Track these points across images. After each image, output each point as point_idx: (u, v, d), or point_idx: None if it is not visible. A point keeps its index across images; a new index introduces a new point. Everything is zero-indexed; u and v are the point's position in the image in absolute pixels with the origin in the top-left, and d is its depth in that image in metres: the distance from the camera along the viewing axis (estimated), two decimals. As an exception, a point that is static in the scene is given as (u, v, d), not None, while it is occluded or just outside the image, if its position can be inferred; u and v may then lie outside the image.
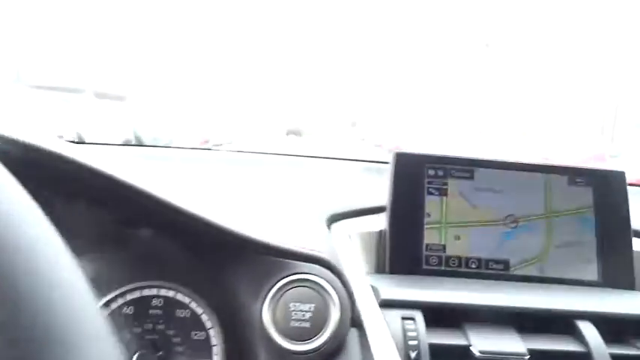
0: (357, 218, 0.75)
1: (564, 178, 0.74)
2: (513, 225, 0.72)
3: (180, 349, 0.57)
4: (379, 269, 0.70)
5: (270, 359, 0.53)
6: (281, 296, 0.54)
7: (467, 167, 0.73)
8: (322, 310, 0.54)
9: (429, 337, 0.53)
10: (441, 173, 0.73)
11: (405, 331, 0.53)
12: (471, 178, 0.73)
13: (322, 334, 0.53)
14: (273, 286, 0.54)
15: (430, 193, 0.72)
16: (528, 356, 0.53)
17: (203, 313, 0.58)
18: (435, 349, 0.52)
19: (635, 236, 0.75)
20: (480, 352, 0.52)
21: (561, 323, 0.57)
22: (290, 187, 0.83)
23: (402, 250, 0.69)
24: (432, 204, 0.72)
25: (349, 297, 0.56)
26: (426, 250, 0.70)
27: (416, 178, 0.72)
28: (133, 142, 8.47)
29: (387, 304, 0.56)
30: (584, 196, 0.74)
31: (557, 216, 0.73)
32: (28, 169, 0.33)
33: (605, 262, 0.72)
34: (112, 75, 23.00)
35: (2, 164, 0.26)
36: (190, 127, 12.31)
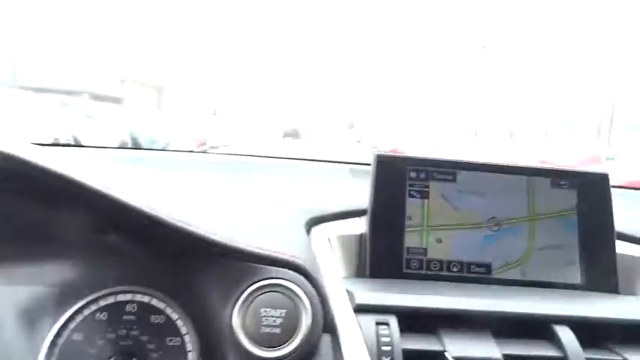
0: (339, 221, 0.74)
1: (547, 181, 0.74)
2: (496, 228, 0.71)
3: (154, 355, 0.56)
4: (360, 273, 0.69)
5: None
6: (251, 302, 0.53)
7: (449, 170, 0.73)
8: (293, 316, 0.53)
9: (403, 343, 0.52)
10: (422, 176, 0.72)
11: (378, 336, 0.52)
12: (454, 180, 0.72)
13: (293, 340, 0.52)
14: (243, 292, 0.53)
15: (412, 196, 0.71)
16: None
17: (178, 318, 0.57)
18: (408, 354, 0.52)
19: (619, 239, 0.74)
20: (454, 357, 0.51)
21: (539, 328, 0.56)
22: (273, 190, 0.82)
23: (383, 254, 0.69)
24: (413, 207, 0.71)
25: (322, 302, 0.55)
26: (407, 253, 0.69)
27: (397, 181, 0.71)
28: (130, 145, 8.46)
29: (361, 309, 0.55)
30: (568, 199, 0.74)
31: (540, 219, 0.72)
32: None
33: (588, 265, 0.71)
34: (109, 77, 22.96)
35: None
36: (187, 129, 12.30)
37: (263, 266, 0.55)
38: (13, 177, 0.45)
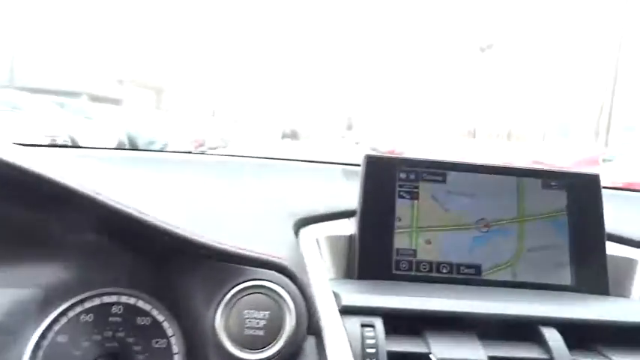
0: (329, 222, 0.74)
1: (538, 182, 0.73)
2: (485, 229, 0.71)
3: (140, 357, 0.56)
4: (349, 274, 0.69)
5: None
6: (235, 303, 0.53)
7: (439, 170, 0.72)
8: (277, 318, 0.52)
9: (389, 345, 0.52)
10: (412, 176, 0.72)
11: (363, 338, 0.52)
12: (443, 181, 0.72)
13: (276, 343, 0.52)
14: (227, 293, 0.53)
15: (401, 197, 0.71)
16: None
17: (165, 320, 0.57)
18: (393, 356, 0.51)
19: (609, 240, 0.74)
20: (439, 359, 0.51)
21: (526, 329, 0.56)
22: (263, 191, 0.81)
23: (372, 255, 0.68)
24: (403, 208, 0.71)
25: (307, 303, 0.55)
26: (397, 254, 0.69)
27: (387, 182, 0.71)
28: (127, 146, 8.44)
29: (347, 311, 0.55)
30: (558, 200, 0.73)
31: (530, 220, 0.72)
32: None
33: (578, 267, 0.71)
34: (107, 78, 22.95)
35: None
36: (186, 130, 12.30)
37: (247, 267, 0.54)
38: None
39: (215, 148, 12.55)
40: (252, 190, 0.81)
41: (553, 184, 0.74)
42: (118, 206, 0.48)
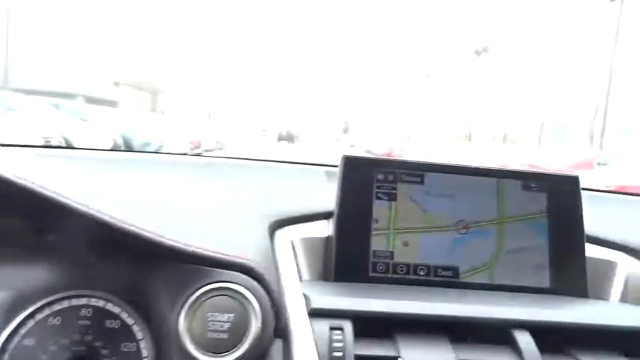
0: (307, 224, 0.73)
1: (518, 183, 0.73)
2: (464, 231, 0.70)
3: None
4: (325, 277, 0.68)
5: None
6: (199, 306, 0.52)
7: (417, 172, 0.71)
8: (242, 321, 0.51)
9: (357, 348, 0.51)
10: (390, 177, 0.71)
11: (331, 341, 0.51)
12: (422, 182, 0.71)
13: (241, 346, 0.50)
14: (190, 295, 0.52)
15: (379, 198, 0.70)
16: None
17: (134, 323, 0.56)
18: None
19: (590, 242, 0.73)
20: None
21: (498, 333, 0.55)
22: (242, 192, 0.80)
23: (348, 257, 0.67)
24: (380, 209, 0.70)
25: (275, 306, 0.54)
26: (374, 257, 0.68)
27: (364, 183, 0.70)
28: (122, 147, 8.41)
29: (316, 314, 0.54)
30: (538, 202, 0.73)
31: (509, 221, 0.71)
32: None
33: (557, 269, 0.70)
34: (103, 80, 22.89)
35: None
36: (182, 132, 12.27)
37: (213, 269, 0.53)
38: None
39: (211, 151, 12.51)
40: (229, 191, 0.80)
41: (533, 185, 0.73)
42: (82, 208, 0.47)
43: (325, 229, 0.72)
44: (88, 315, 0.56)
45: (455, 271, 0.69)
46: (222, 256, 0.53)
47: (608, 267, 0.74)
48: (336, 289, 0.63)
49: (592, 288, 0.71)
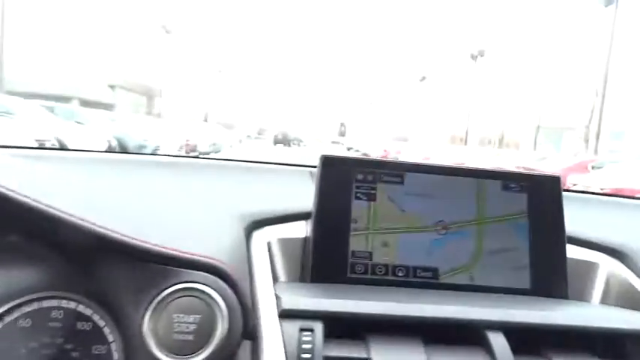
0: (286, 225, 0.72)
1: (498, 183, 0.72)
2: (443, 231, 0.69)
3: None
4: (303, 278, 0.67)
5: None
6: (165, 307, 0.51)
7: (397, 172, 0.71)
8: (208, 322, 0.50)
9: (326, 350, 0.50)
10: (370, 178, 0.70)
11: (300, 343, 0.50)
12: (401, 182, 0.71)
13: (206, 348, 0.49)
14: (156, 296, 0.51)
15: (358, 198, 0.69)
16: None
17: (105, 325, 0.55)
18: None
19: (570, 243, 0.73)
20: None
21: (472, 334, 0.55)
22: (220, 192, 0.80)
23: (326, 258, 0.66)
24: (359, 209, 0.69)
25: (244, 307, 0.53)
26: (352, 257, 0.67)
27: (343, 183, 0.69)
28: (117, 149, 8.39)
29: (287, 315, 0.53)
30: (518, 202, 0.72)
31: (489, 222, 0.70)
32: None
33: (538, 270, 0.69)
34: (99, 83, 22.84)
35: None
36: (178, 135, 12.26)
37: (180, 269, 0.52)
38: None
39: (207, 153, 12.50)
40: (208, 192, 0.79)
41: (513, 186, 0.72)
42: (42, 207, 0.46)
43: (304, 229, 0.71)
44: (59, 317, 0.55)
45: (434, 272, 0.68)
46: (189, 256, 0.52)
47: (590, 268, 0.73)
48: (310, 290, 0.62)
49: (573, 289, 0.70)
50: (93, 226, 0.49)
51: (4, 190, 0.45)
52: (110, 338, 0.54)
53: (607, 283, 0.72)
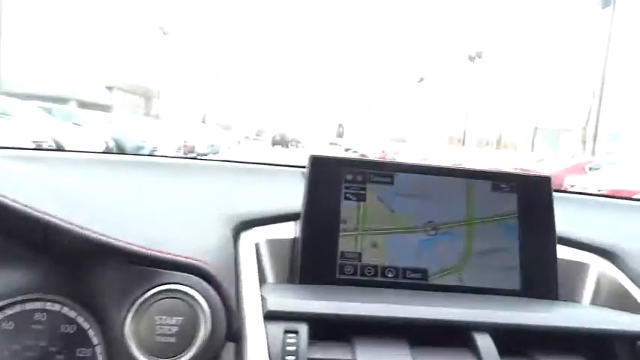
0: (274, 225, 0.71)
1: (488, 184, 0.72)
2: (433, 232, 0.69)
3: None
4: (292, 279, 0.67)
5: None
6: (147, 308, 0.50)
7: (387, 172, 0.70)
8: (191, 324, 0.49)
9: (311, 352, 0.49)
10: (359, 178, 0.70)
11: (284, 344, 0.50)
12: (391, 183, 0.70)
13: (189, 350, 0.49)
14: (138, 298, 0.50)
15: (347, 199, 0.69)
16: None
17: (90, 328, 0.54)
18: None
19: (561, 243, 0.72)
20: None
21: (458, 335, 0.54)
22: (209, 193, 0.79)
23: (315, 259, 0.66)
24: (348, 210, 0.68)
25: (227, 309, 0.52)
26: (341, 258, 0.67)
27: (332, 183, 0.69)
28: (114, 150, 8.37)
29: (272, 316, 0.52)
30: (509, 202, 0.72)
31: (479, 223, 0.70)
32: None
33: (528, 271, 0.69)
34: (96, 84, 22.80)
35: None
36: (175, 136, 12.24)
37: (163, 271, 0.51)
38: None
39: (205, 155, 12.46)
40: (196, 193, 0.78)
41: (503, 186, 0.72)
42: (21, 208, 0.46)
43: (293, 230, 0.71)
44: (43, 319, 0.54)
45: (424, 273, 0.68)
46: (172, 257, 0.52)
47: (580, 268, 0.73)
48: (297, 291, 0.61)
49: (564, 290, 0.70)
50: (77, 229, 0.48)
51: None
52: (95, 341, 0.54)
53: (597, 284, 0.72)
